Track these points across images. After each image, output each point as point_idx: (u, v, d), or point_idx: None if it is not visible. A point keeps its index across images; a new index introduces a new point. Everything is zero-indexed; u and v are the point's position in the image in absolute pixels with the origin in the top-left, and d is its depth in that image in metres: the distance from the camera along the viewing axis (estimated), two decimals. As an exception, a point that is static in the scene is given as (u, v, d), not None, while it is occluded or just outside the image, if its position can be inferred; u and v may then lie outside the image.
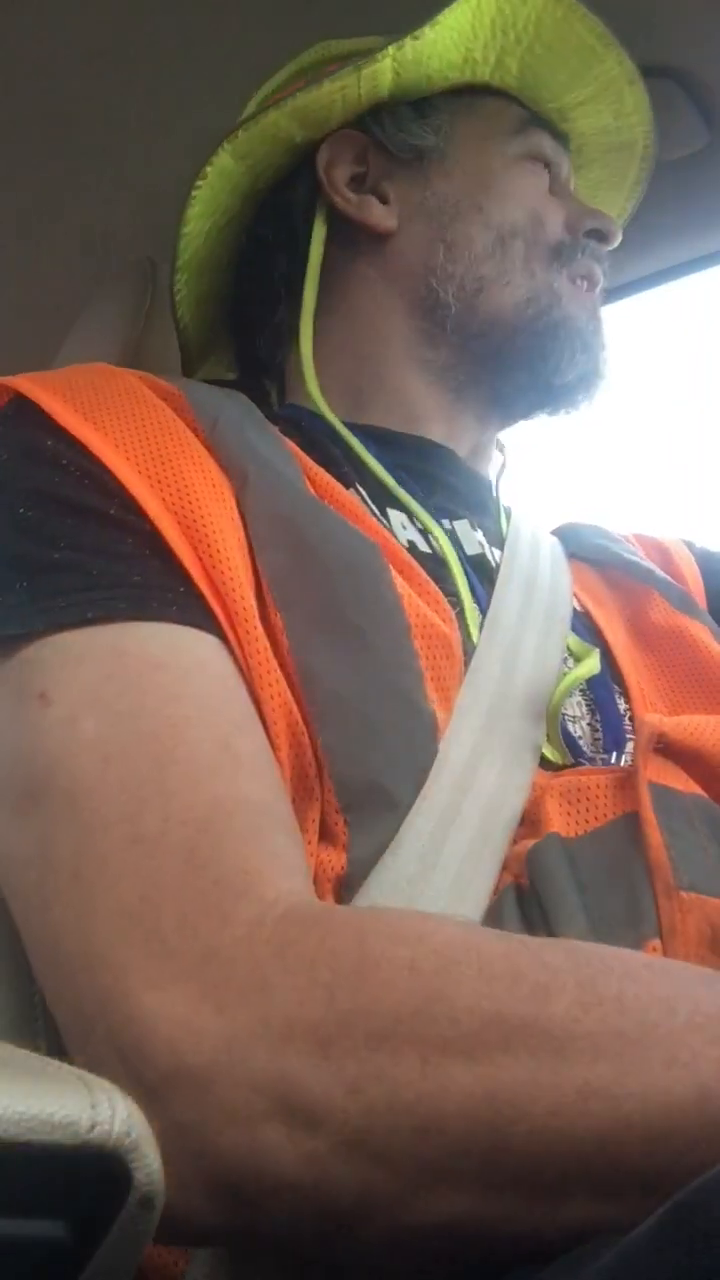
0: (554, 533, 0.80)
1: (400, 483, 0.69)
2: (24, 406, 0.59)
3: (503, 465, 0.82)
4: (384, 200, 0.77)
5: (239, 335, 0.87)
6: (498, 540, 0.73)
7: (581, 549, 0.79)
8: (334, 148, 0.78)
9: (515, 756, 0.58)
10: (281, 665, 0.53)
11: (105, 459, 0.56)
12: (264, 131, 0.76)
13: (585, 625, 0.71)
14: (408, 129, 0.77)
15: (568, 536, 0.80)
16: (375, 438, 0.73)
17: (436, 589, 0.63)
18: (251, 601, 0.54)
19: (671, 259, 1.09)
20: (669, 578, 0.79)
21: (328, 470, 0.65)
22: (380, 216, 0.76)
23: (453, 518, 0.71)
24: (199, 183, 0.77)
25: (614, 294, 1.13)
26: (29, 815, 0.47)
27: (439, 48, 0.75)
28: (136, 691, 0.49)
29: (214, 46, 0.90)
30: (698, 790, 0.58)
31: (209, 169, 0.77)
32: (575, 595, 0.72)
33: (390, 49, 0.73)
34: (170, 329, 0.88)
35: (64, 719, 0.48)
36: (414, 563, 0.63)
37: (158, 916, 0.43)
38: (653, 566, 0.79)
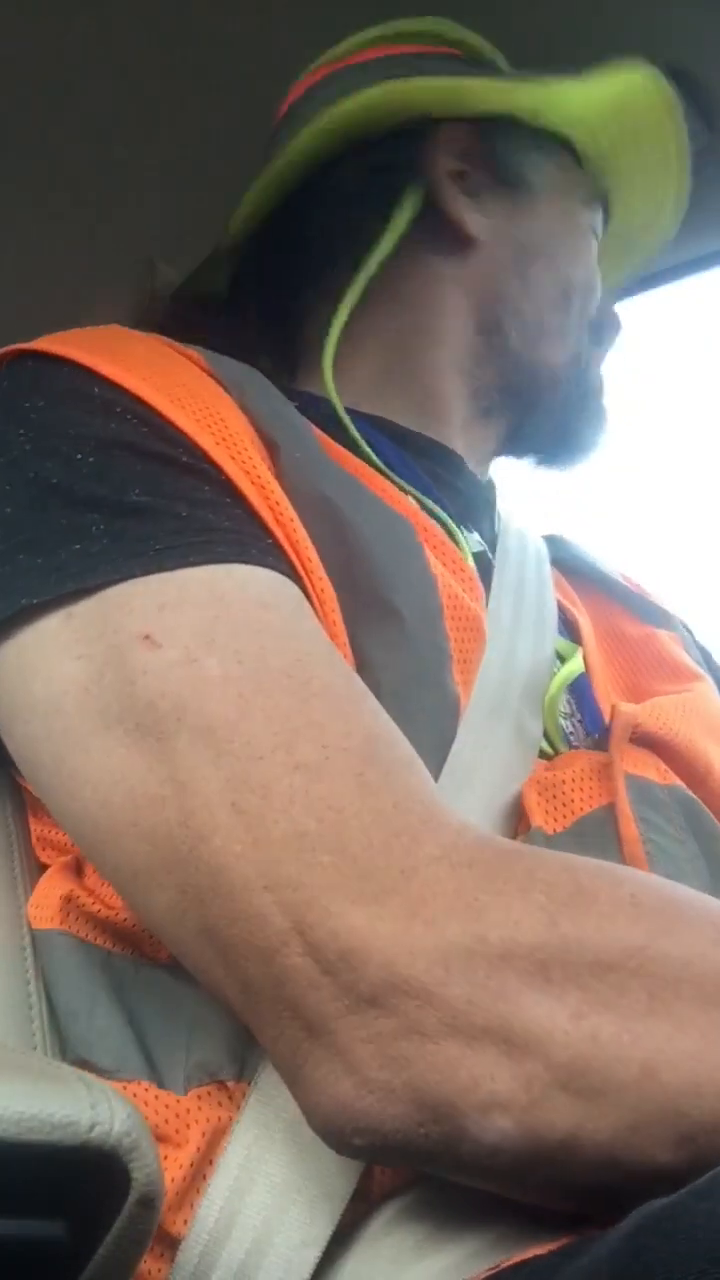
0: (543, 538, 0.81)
1: (404, 477, 0.68)
2: (47, 361, 0.56)
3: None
4: (481, 210, 0.75)
5: (261, 286, 0.81)
6: (492, 544, 0.73)
7: (563, 557, 0.79)
8: (448, 135, 0.74)
9: (517, 745, 0.58)
10: (334, 636, 0.52)
11: (160, 406, 0.53)
12: (389, 94, 0.72)
13: (565, 626, 0.72)
14: (523, 155, 0.76)
15: (551, 544, 0.80)
16: (386, 431, 0.72)
17: (468, 566, 0.63)
18: (319, 565, 0.53)
19: (672, 259, 1.09)
20: (644, 596, 0.80)
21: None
22: (474, 224, 0.74)
23: (453, 520, 0.70)
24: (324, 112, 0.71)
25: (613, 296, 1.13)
26: (152, 755, 0.45)
27: (581, 97, 0.75)
28: (251, 630, 0.47)
29: (214, 47, 0.91)
30: (675, 781, 0.58)
31: (330, 109, 0.71)
32: (556, 599, 0.73)
33: (557, 80, 0.73)
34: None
35: (180, 660, 0.46)
36: (446, 539, 0.63)
37: (342, 837, 0.42)
38: (629, 586, 0.80)
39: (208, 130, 0.97)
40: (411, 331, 0.75)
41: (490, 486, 0.79)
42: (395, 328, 0.75)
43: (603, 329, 0.80)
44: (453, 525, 0.67)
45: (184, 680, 0.45)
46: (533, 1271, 0.39)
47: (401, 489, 0.65)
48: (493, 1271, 0.41)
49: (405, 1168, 0.46)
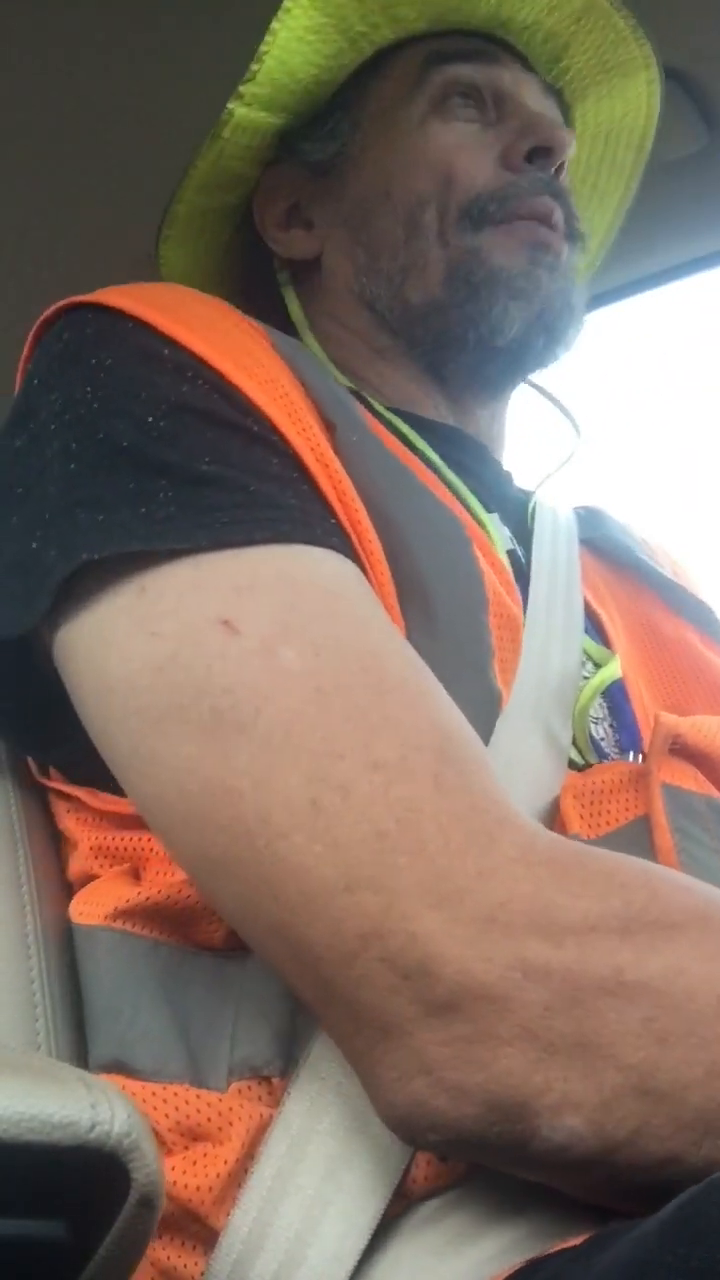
0: (576, 510, 0.78)
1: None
2: (110, 315, 0.55)
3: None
4: (309, 225, 0.76)
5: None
6: (523, 535, 0.71)
7: (597, 538, 0.76)
8: (267, 185, 0.77)
9: (548, 752, 0.58)
10: (394, 620, 0.52)
11: (229, 373, 0.52)
12: (216, 161, 0.76)
13: (593, 625, 0.70)
14: (312, 144, 0.76)
15: (586, 520, 0.77)
16: (413, 422, 0.70)
17: (507, 567, 0.62)
18: (379, 547, 0.52)
19: (672, 259, 1.09)
20: (683, 586, 0.77)
21: None
22: (304, 246, 0.76)
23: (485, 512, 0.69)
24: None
25: (614, 295, 1.13)
26: (228, 745, 0.45)
27: (294, 47, 0.72)
28: (326, 619, 0.47)
29: (216, 45, 0.90)
30: (713, 791, 0.58)
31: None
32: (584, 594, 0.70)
33: (234, 99, 0.73)
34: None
35: (258, 650, 0.45)
36: (488, 539, 0.62)
37: (420, 839, 0.42)
38: (668, 575, 0.78)
39: (207, 129, 0.97)
40: (339, 346, 0.75)
41: (509, 475, 0.77)
42: (340, 340, 0.76)
43: (493, 197, 0.71)
44: (487, 519, 0.66)
45: (264, 672, 0.45)
46: (578, 1253, 0.40)
47: (445, 481, 0.64)
48: (536, 1258, 0.42)
49: (446, 1167, 0.46)
